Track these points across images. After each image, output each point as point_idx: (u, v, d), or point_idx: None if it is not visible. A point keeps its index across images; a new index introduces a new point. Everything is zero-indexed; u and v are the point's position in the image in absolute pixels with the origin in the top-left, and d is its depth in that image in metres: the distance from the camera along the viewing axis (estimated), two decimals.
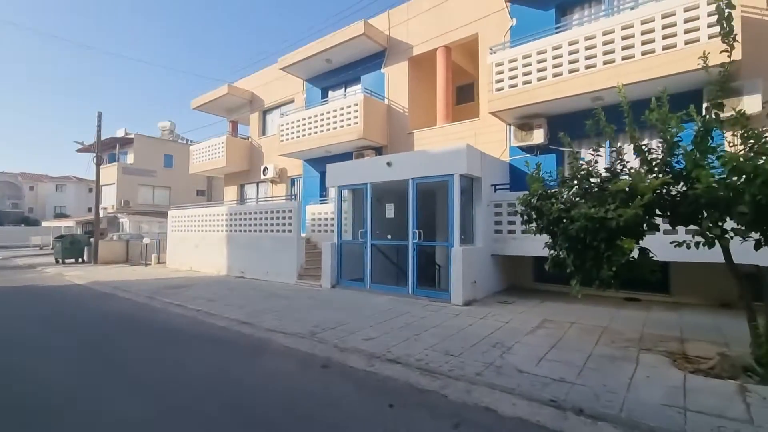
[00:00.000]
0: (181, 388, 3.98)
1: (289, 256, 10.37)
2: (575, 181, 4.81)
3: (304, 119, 12.16)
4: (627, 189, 4.12)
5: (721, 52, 4.12)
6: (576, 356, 4.39)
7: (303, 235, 11.75)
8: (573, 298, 7.67)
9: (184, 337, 5.94)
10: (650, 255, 4.27)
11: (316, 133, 11.85)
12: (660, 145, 4.40)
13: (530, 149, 8.72)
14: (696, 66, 6.06)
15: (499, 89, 8.13)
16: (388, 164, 8.38)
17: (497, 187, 8.31)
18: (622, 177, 4.31)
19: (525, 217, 5.40)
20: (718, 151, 3.89)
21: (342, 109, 11.19)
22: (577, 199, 4.74)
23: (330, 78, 13.14)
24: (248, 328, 6.14)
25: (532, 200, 5.21)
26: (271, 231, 10.93)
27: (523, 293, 8.22)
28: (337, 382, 4.06)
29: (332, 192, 11.14)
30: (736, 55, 4.84)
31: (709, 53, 4.21)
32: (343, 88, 12.89)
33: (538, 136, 8.29)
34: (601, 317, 6.12)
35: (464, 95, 12.78)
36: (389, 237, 8.84)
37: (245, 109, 16.72)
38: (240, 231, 11.93)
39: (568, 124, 8.19)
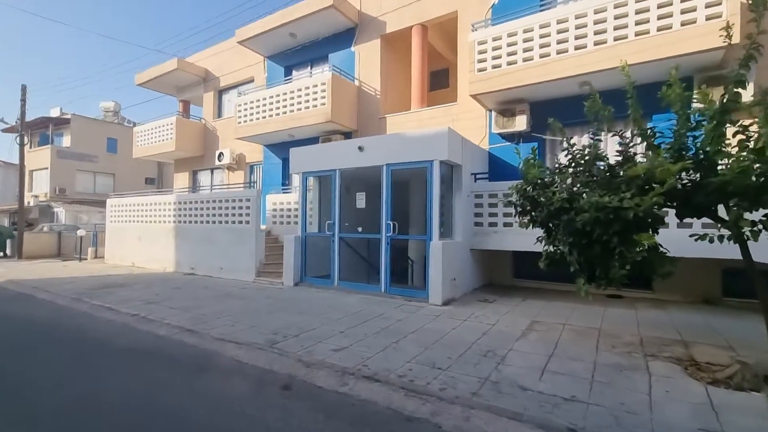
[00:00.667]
0: (88, 424, 2.99)
1: (246, 250, 9.29)
2: (579, 168, 4.23)
3: (265, 99, 11.00)
4: (642, 175, 3.57)
5: (720, 30, 3.67)
6: (580, 367, 3.83)
7: (263, 227, 10.66)
8: (555, 295, 7.32)
9: (108, 350, 4.84)
10: (663, 251, 3.77)
11: (278, 114, 10.74)
12: (666, 130, 3.91)
13: (511, 137, 8.20)
14: (692, 49, 5.75)
15: (481, 70, 7.50)
16: (360, 149, 7.54)
17: (477, 176, 7.72)
18: (639, 161, 3.75)
19: (519, 209, 4.80)
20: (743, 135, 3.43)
21: (308, 88, 10.16)
22: (579, 187, 4.17)
23: (294, 55, 12.02)
24: (193, 337, 5.13)
25: (528, 189, 4.61)
26: (227, 222, 9.77)
27: (502, 291, 7.72)
28: (302, 409, 3.23)
29: (296, 180, 10.15)
30: (736, 37, 4.46)
31: (726, 28, 3.69)
32: (309, 67, 11.82)
33: (521, 123, 7.77)
34: (589, 317, 5.68)
35: (438, 81, 12.13)
36: (360, 230, 8.03)
37: (198, 87, 15.15)
38: (191, 222, 10.64)
39: (553, 111, 7.68)
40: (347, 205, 8.07)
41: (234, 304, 6.77)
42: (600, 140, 4.22)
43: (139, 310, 6.42)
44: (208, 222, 10.21)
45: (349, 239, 8.17)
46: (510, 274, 8.33)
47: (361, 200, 7.90)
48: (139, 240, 12.25)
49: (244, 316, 5.98)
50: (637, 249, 3.46)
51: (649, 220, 3.69)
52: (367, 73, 10.64)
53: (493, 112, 8.15)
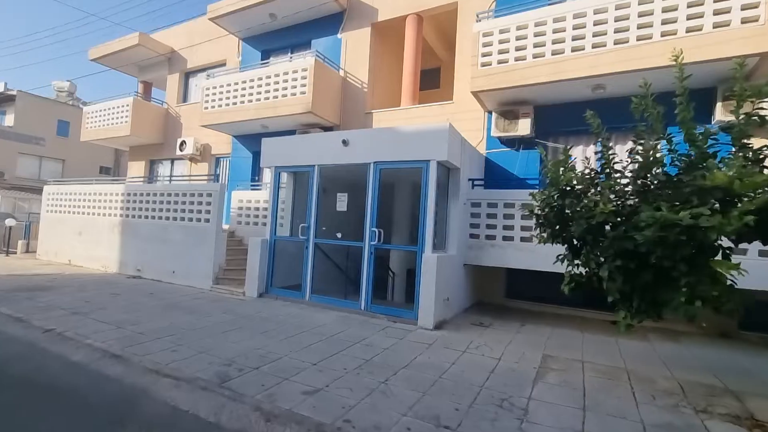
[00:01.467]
0: None
1: (204, 252, 8.01)
2: (628, 173, 3.44)
3: (237, 84, 9.79)
4: (720, 186, 2.79)
5: None
6: (626, 429, 2.98)
7: (226, 226, 9.40)
8: (554, 320, 6.47)
9: None
10: (735, 284, 3.00)
11: (251, 101, 9.55)
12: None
13: (512, 142, 7.46)
14: (722, 54, 5.18)
15: (485, 64, 6.73)
16: (344, 142, 6.54)
17: (475, 182, 6.90)
18: (720, 167, 2.98)
19: (541, 221, 3.96)
20: None
21: (286, 74, 9.07)
22: (629, 197, 3.38)
23: (273, 39, 10.89)
24: (119, 366, 3.93)
25: (554, 197, 3.78)
26: (183, 219, 8.45)
27: (495, 312, 6.88)
28: None
29: (267, 175, 9.00)
30: None
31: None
32: (289, 53, 10.72)
33: (524, 127, 7.04)
34: (606, 351, 4.91)
35: (429, 80, 11.33)
36: (339, 236, 7.00)
37: (162, 68, 13.65)
38: (141, 217, 9.21)
39: (559, 117, 7.09)
40: (326, 207, 7.03)
41: (182, 320, 5.55)
42: (651, 143, 3.44)
43: (57, 323, 5.09)
44: (161, 218, 8.83)
45: (326, 246, 7.12)
46: (502, 294, 7.53)
47: (342, 202, 6.88)
48: (79, 234, 10.61)
49: (191, 336, 4.80)
50: (716, 280, 2.66)
51: (737, 243, 2.94)
52: (353, 63, 9.69)
53: (493, 113, 7.39)
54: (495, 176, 7.57)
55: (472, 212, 6.66)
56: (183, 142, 12.00)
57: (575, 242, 3.92)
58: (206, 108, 10.34)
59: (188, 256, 8.23)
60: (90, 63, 13.96)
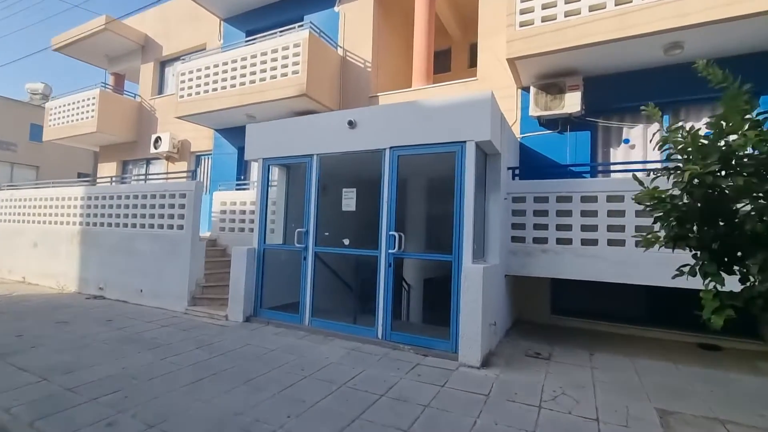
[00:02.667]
0: None
1: (177, 266, 6.51)
2: None
3: (218, 66, 8.34)
4: None
5: None
6: None
7: (206, 234, 7.93)
8: (624, 344, 4.97)
9: None
10: None
11: (234, 86, 8.10)
12: None
13: (555, 123, 6.11)
14: None
15: (525, 23, 5.37)
16: (351, 124, 5.14)
17: (515, 172, 5.53)
18: None
19: (672, 217, 2.59)
20: None
21: (275, 51, 7.64)
22: None
23: (260, 16, 9.46)
24: None
25: (710, 174, 2.39)
26: (153, 226, 6.94)
27: (545, 335, 5.48)
28: None
29: (255, 171, 7.55)
30: None
31: None
32: (278, 34, 9.28)
33: (572, 103, 5.69)
34: (735, 397, 3.53)
35: (439, 64, 9.97)
36: (346, 243, 5.56)
37: (135, 57, 12.13)
38: (104, 224, 7.67)
39: (615, 90, 5.76)
40: (328, 207, 5.60)
41: (139, 361, 4.06)
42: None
43: None
44: (126, 225, 7.31)
45: (330, 256, 5.69)
46: (547, 310, 6.14)
47: (349, 200, 5.44)
48: (35, 247, 9.02)
49: (145, 391, 3.33)
50: None
51: None
52: (354, 40, 8.29)
53: (531, 88, 6.03)
54: (531, 164, 6.22)
55: (514, 209, 5.27)
56: (158, 139, 10.48)
57: (714, 246, 2.55)
58: (182, 96, 8.86)
59: (159, 271, 6.72)
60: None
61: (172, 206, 6.73)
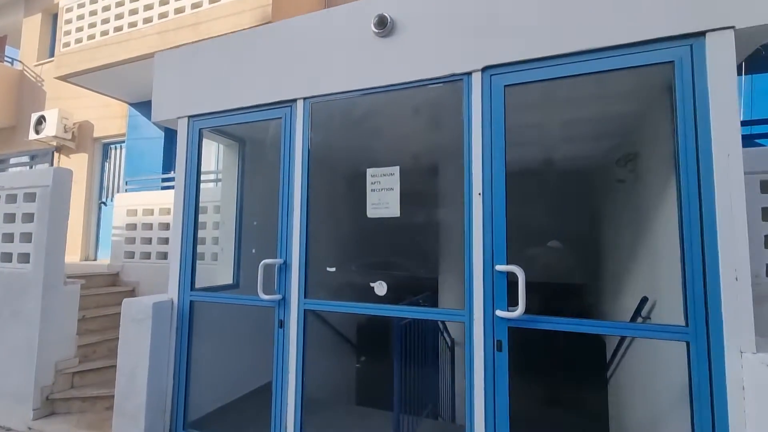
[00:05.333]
0: None
1: (15, 336, 3.25)
2: None
3: None
4: None
5: None
6: None
7: (105, 261, 4.68)
8: None
9: None
10: None
11: (150, 21, 4.97)
12: None
13: None
14: None
15: None
16: (382, 24, 2.28)
17: None
18: None
19: None
20: None
21: None
22: None
23: None
24: None
25: None
26: None
27: None
28: None
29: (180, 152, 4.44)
30: None
31: None
32: None
33: None
34: None
35: None
36: (381, 289, 2.58)
37: (15, 9, 8.51)
38: None
39: None
40: (332, 210, 2.66)
41: None
42: None
43: None
44: None
45: (341, 319, 2.74)
46: None
47: (382, 194, 2.51)
48: None
49: None
50: None
51: None
52: None
53: None
54: None
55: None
56: (41, 119, 6.97)
57: None
58: (68, 44, 5.57)
59: None
60: None
61: (9, 219, 3.47)
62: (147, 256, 4.76)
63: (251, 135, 3.49)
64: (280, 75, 2.66)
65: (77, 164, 7.03)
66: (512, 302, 2.02)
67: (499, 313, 2.00)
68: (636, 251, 3.05)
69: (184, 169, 2.97)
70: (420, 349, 3.13)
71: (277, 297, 2.51)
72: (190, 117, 2.98)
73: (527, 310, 1.93)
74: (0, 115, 7.87)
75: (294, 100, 2.62)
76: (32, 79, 8.01)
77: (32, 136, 7.02)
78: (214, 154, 4.59)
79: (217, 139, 3.58)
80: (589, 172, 4.08)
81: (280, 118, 2.67)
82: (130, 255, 4.81)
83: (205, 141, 3.03)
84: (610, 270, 3.79)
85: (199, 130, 2.95)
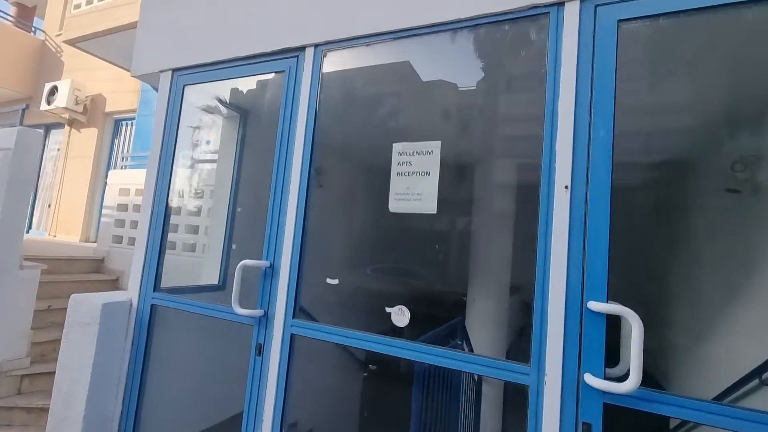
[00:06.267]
0: None
1: None
2: None
3: None
4: None
5: None
6: None
7: (88, 246, 4.15)
8: None
9: None
10: None
11: None
12: None
13: None
14: None
15: None
16: None
17: None
18: None
19: None
20: None
21: None
22: None
23: None
24: None
25: None
26: None
27: None
28: None
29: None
30: None
31: None
32: None
33: None
34: None
35: None
36: (400, 323, 1.84)
37: None
38: None
39: None
40: (342, 201, 1.96)
41: None
42: None
43: None
44: None
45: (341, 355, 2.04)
46: None
47: (412, 182, 1.77)
48: None
49: None
50: None
51: None
52: None
53: None
54: None
55: None
56: (53, 89, 6.61)
57: None
58: (78, 6, 5.12)
59: None
60: None
61: None
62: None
63: (254, 103, 2.84)
64: (285, 14, 1.99)
65: (87, 139, 6.64)
66: (610, 362, 1.25)
67: (590, 379, 1.23)
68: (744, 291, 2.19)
69: (161, 138, 2.33)
70: (442, 389, 2.39)
71: (258, 313, 1.83)
72: (174, 70, 2.35)
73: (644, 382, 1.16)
74: (19, 84, 7.62)
75: (302, 48, 1.94)
76: (52, 49, 7.73)
77: (44, 106, 6.67)
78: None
79: (216, 111, 2.96)
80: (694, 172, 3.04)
81: (283, 71, 1.99)
82: (118, 239, 4.26)
83: (208, 116, 2.41)
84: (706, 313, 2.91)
85: (183, 87, 2.30)
